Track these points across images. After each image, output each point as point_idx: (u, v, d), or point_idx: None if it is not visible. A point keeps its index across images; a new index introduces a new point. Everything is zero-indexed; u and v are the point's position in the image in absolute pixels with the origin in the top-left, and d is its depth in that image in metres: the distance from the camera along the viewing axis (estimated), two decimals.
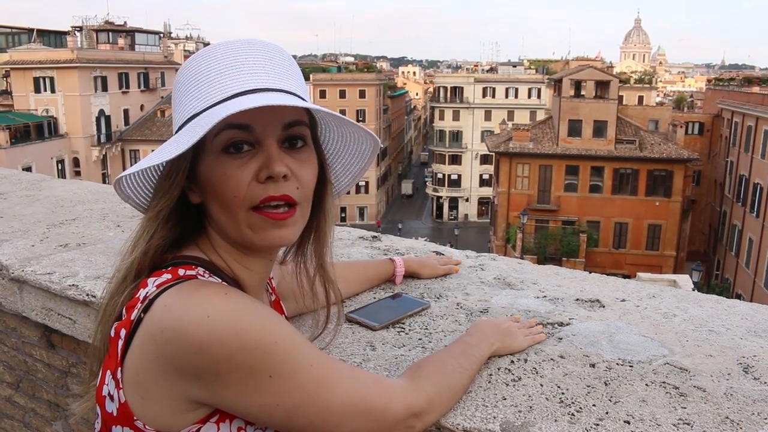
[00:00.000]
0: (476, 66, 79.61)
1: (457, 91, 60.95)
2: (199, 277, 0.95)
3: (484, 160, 57.74)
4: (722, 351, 1.38)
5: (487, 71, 68.73)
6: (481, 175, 60.56)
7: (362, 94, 59.41)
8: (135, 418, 0.89)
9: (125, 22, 50.64)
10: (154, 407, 0.88)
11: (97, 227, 2.43)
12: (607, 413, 1.12)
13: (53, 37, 49.50)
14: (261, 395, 0.87)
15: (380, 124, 60.95)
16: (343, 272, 1.63)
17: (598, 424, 1.08)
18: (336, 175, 1.15)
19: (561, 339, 1.43)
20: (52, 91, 39.73)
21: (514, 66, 71.85)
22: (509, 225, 35.88)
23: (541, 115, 50.12)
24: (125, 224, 2.46)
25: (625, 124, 36.34)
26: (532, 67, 69.90)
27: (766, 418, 1.11)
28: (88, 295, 1.75)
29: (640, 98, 49.48)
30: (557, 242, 34.20)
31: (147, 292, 0.92)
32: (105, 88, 41.79)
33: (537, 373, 1.27)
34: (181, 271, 0.95)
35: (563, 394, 1.19)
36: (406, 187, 74.57)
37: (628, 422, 1.09)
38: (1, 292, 2.01)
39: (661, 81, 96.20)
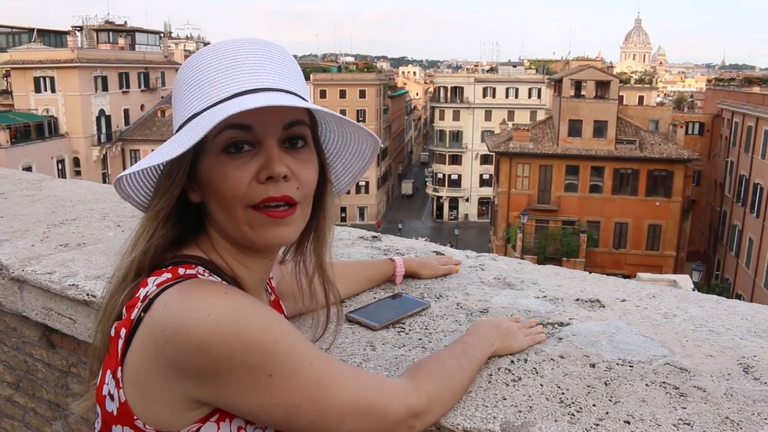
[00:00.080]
0: (476, 66, 79.61)
1: (457, 91, 60.96)
2: (199, 276, 0.95)
3: (485, 160, 57.73)
4: (722, 351, 1.38)
5: (488, 71, 68.72)
6: (481, 175, 60.57)
7: (362, 94, 59.42)
8: (135, 417, 0.89)
9: (125, 22, 50.65)
10: (155, 406, 0.88)
11: (97, 227, 2.43)
12: (607, 413, 1.12)
13: (53, 37, 49.51)
14: (261, 394, 0.87)
15: (380, 124, 60.96)
16: (343, 272, 1.63)
17: (598, 424, 1.08)
18: (336, 175, 1.15)
19: (561, 339, 1.43)
20: (53, 90, 39.74)
21: (515, 66, 71.83)
22: (509, 225, 35.88)
23: (541, 115, 50.13)
24: (125, 224, 2.46)
25: (625, 124, 36.34)
26: (533, 67, 69.88)
27: (766, 419, 1.11)
28: (88, 294, 1.75)
29: (641, 98, 49.48)
30: (557, 242, 34.21)
31: (147, 292, 0.92)
32: (105, 88, 41.79)
33: (537, 373, 1.27)
34: (181, 270, 0.95)
35: (563, 394, 1.19)
36: (407, 187, 74.58)
37: (628, 422, 1.09)
38: (1, 292, 2.01)
39: (661, 81, 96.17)
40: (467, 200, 61.50)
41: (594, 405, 1.15)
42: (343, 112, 54.19)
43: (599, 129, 35.33)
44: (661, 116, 40.61)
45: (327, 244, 1.11)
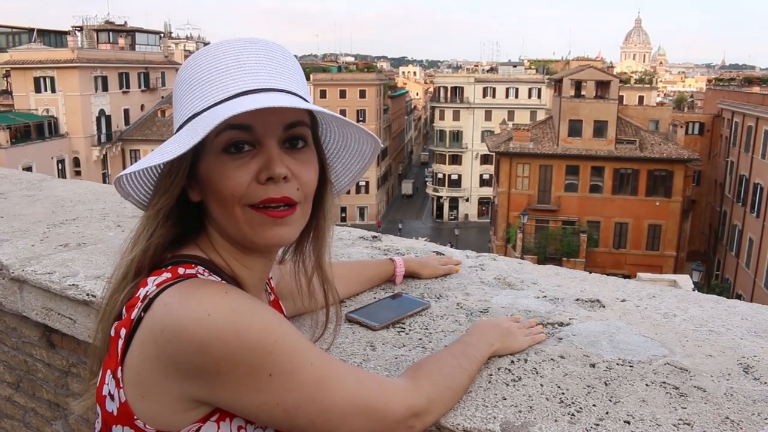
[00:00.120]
0: (476, 66, 79.62)
1: (457, 91, 60.96)
2: (198, 275, 0.95)
3: (485, 160, 57.73)
4: (722, 351, 1.38)
5: (488, 71, 68.72)
6: (481, 175, 60.57)
7: (362, 94, 59.42)
8: (135, 417, 0.89)
9: (126, 22, 50.66)
10: (155, 406, 0.88)
11: (97, 227, 2.43)
12: (607, 413, 1.12)
13: (54, 37, 49.51)
14: (261, 394, 0.87)
15: (380, 124, 60.96)
16: (343, 272, 1.63)
17: (598, 424, 1.08)
18: (336, 174, 1.15)
19: (561, 339, 1.43)
20: (53, 90, 39.74)
21: (515, 66, 71.82)
22: (509, 225, 35.88)
23: (541, 115, 50.12)
24: (125, 224, 2.46)
25: (625, 124, 36.34)
26: (533, 67, 69.87)
27: (766, 419, 1.11)
28: (88, 294, 1.75)
29: (641, 98, 49.48)
30: (557, 242, 34.21)
31: (147, 291, 0.92)
32: (105, 88, 41.80)
33: (537, 373, 1.27)
34: (180, 270, 0.95)
35: (563, 394, 1.19)
36: (407, 187, 74.59)
37: (629, 422, 1.09)
38: (1, 292, 2.01)
39: (661, 81, 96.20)
40: (467, 200, 61.50)
41: (594, 405, 1.15)
42: (343, 112, 54.21)
43: (599, 129, 35.33)
44: (661, 116, 40.61)
45: (326, 244, 1.11)
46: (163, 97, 46.94)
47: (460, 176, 61.18)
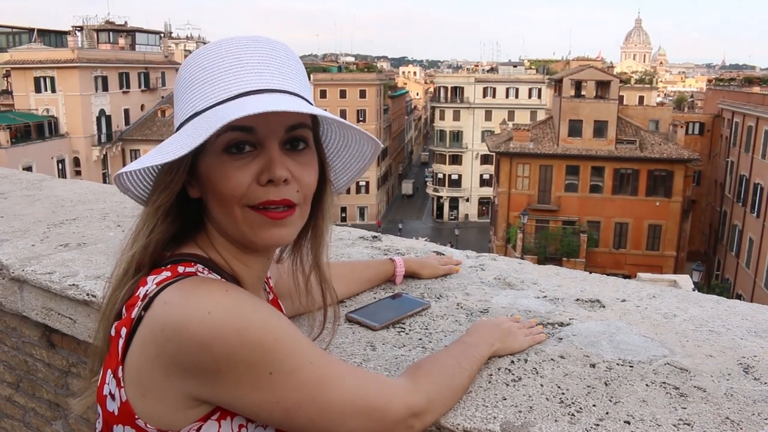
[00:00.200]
0: (477, 66, 79.59)
1: (457, 91, 60.95)
2: (198, 274, 0.95)
3: (485, 160, 57.73)
4: (722, 351, 1.38)
5: (488, 71, 68.69)
6: (481, 175, 60.57)
7: (363, 94, 59.40)
8: (136, 416, 0.89)
9: (126, 22, 50.65)
10: (156, 405, 0.88)
11: (97, 227, 2.43)
12: (607, 413, 1.12)
13: (54, 37, 49.51)
14: (261, 392, 0.87)
15: (381, 124, 60.95)
16: (343, 272, 1.63)
17: (598, 425, 1.08)
18: (335, 173, 1.14)
19: (561, 339, 1.43)
20: (53, 90, 39.74)
21: (515, 66, 71.77)
22: (509, 225, 35.88)
23: (541, 115, 50.12)
24: (126, 224, 2.46)
25: (625, 124, 36.33)
26: (533, 67, 69.83)
27: (766, 419, 1.11)
28: (88, 294, 1.75)
29: (641, 98, 49.47)
30: (557, 242, 34.20)
31: (147, 290, 0.92)
32: (105, 88, 41.80)
33: (537, 373, 1.27)
34: (180, 269, 0.95)
35: (563, 394, 1.19)
36: (407, 187, 74.58)
37: (629, 422, 1.09)
38: (1, 292, 2.01)
39: (661, 81, 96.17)
40: (467, 200, 61.49)
41: (594, 405, 1.14)
42: (343, 111, 54.27)
43: (599, 129, 35.33)
44: (661, 116, 40.60)
45: (324, 244, 1.11)
46: (163, 97, 46.95)
47: (460, 176, 61.18)
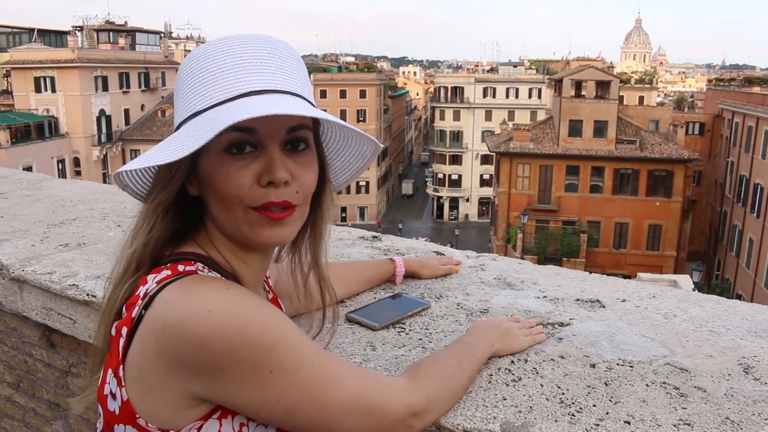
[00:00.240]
0: (477, 66, 79.55)
1: (457, 91, 60.96)
2: (198, 272, 0.95)
3: (485, 160, 57.72)
4: (722, 351, 1.38)
5: (488, 71, 68.67)
6: (481, 175, 60.57)
7: (363, 94, 59.38)
8: (137, 416, 0.89)
9: (126, 22, 50.64)
10: (156, 404, 0.88)
11: (97, 227, 2.43)
12: (607, 413, 1.12)
13: (54, 37, 49.51)
14: (262, 391, 0.87)
15: (381, 124, 60.93)
16: (343, 272, 1.63)
17: (598, 425, 1.08)
18: (334, 171, 1.14)
19: (561, 339, 1.43)
20: (53, 90, 39.73)
21: (515, 66, 71.76)
22: (510, 225, 35.87)
23: (541, 116, 50.11)
24: (126, 224, 2.45)
25: (625, 124, 36.33)
26: (533, 67, 69.81)
27: (766, 419, 1.11)
28: (88, 294, 1.75)
29: (641, 98, 49.46)
30: (558, 242, 34.19)
31: (147, 289, 0.92)
32: (105, 88, 41.79)
33: (537, 373, 1.27)
34: (180, 267, 0.95)
35: (563, 394, 1.18)
36: (407, 187, 74.58)
37: (629, 422, 1.09)
38: (1, 292, 2.01)
39: (661, 81, 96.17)
40: (467, 200, 61.50)
41: (594, 405, 1.14)
42: (343, 111, 54.27)
43: (599, 129, 35.32)
44: (661, 116, 40.60)
45: (323, 242, 1.11)
46: (163, 97, 46.94)
47: (460, 176, 61.18)
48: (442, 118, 61.56)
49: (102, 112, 41.60)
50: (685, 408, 1.14)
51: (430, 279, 1.82)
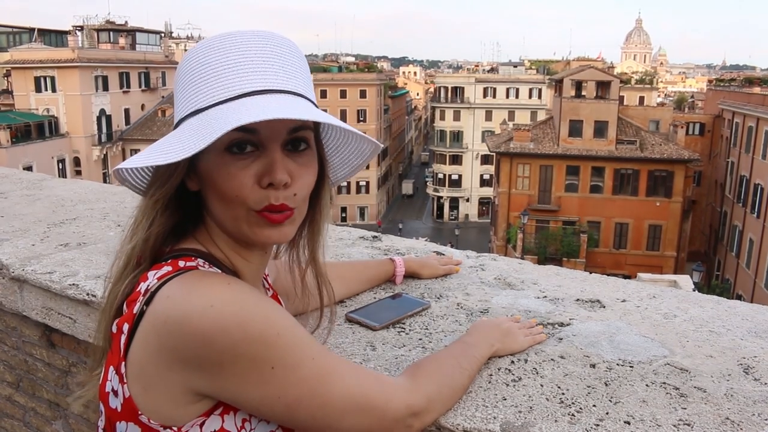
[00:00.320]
0: (477, 66, 79.52)
1: (457, 91, 60.94)
2: (199, 268, 0.95)
3: (485, 160, 57.71)
4: (723, 352, 1.38)
5: (488, 71, 68.63)
6: (481, 175, 60.56)
7: (363, 94, 59.36)
8: (139, 412, 0.89)
9: (126, 22, 50.62)
10: (158, 400, 0.88)
11: (97, 227, 2.43)
12: (607, 414, 1.12)
13: (54, 37, 49.50)
14: (263, 387, 0.87)
15: (381, 124, 60.91)
16: (343, 272, 1.63)
17: (598, 425, 1.08)
18: (333, 167, 1.14)
19: (561, 339, 1.43)
20: (53, 90, 39.72)
21: (515, 66, 71.71)
22: (510, 225, 35.87)
23: (541, 116, 50.08)
24: (126, 224, 2.46)
25: (625, 124, 36.32)
26: (533, 67, 69.76)
27: (766, 419, 1.11)
28: (88, 294, 1.75)
29: (641, 99, 49.43)
30: (558, 242, 34.19)
31: (148, 285, 0.92)
32: (106, 88, 41.78)
33: (537, 373, 1.27)
34: (181, 263, 0.95)
35: (563, 394, 1.19)
36: (407, 187, 74.57)
37: (629, 423, 1.09)
38: (1, 292, 2.01)
39: (662, 81, 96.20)
40: (468, 200, 61.49)
41: (594, 405, 1.14)
42: (343, 111, 54.27)
43: (600, 129, 35.31)
44: (661, 117, 40.59)
45: (321, 238, 1.10)
46: (163, 96, 46.93)
47: (460, 176, 61.18)
48: (442, 118, 61.54)
49: (102, 111, 41.59)
50: (685, 408, 1.14)
51: (430, 279, 1.82)
